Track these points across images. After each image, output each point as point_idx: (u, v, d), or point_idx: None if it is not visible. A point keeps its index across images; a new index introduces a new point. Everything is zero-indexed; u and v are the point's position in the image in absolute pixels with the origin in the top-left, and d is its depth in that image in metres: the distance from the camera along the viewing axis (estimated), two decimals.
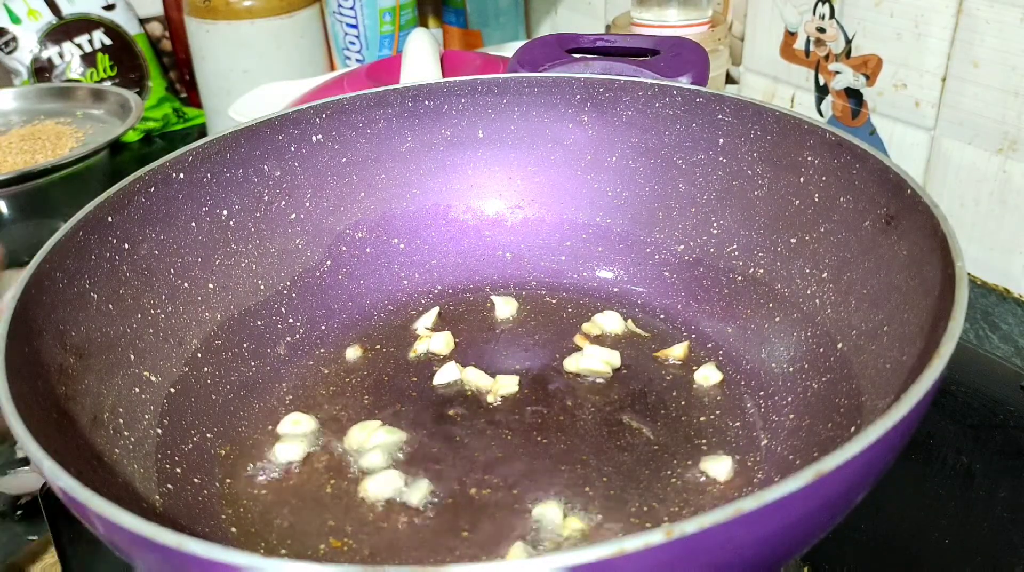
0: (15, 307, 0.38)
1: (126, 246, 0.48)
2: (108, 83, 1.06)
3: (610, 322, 0.55)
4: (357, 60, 1.02)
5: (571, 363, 0.51)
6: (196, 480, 0.44)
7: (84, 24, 1.05)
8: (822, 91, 0.77)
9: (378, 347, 0.55)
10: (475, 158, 0.60)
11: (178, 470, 0.44)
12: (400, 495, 0.43)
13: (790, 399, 0.46)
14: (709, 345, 0.52)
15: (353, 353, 0.54)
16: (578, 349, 0.52)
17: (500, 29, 1.09)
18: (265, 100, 0.85)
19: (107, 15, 1.07)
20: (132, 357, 0.46)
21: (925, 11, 0.66)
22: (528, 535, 0.40)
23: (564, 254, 0.59)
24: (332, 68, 1.05)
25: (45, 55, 1.03)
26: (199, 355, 0.50)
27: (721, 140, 0.54)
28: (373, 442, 0.46)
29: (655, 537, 0.24)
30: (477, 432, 0.47)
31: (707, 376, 0.50)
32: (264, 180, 0.55)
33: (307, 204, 0.57)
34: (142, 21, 1.11)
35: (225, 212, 0.54)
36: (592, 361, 0.51)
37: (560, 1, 1.06)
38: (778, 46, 0.79)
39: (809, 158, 0.49)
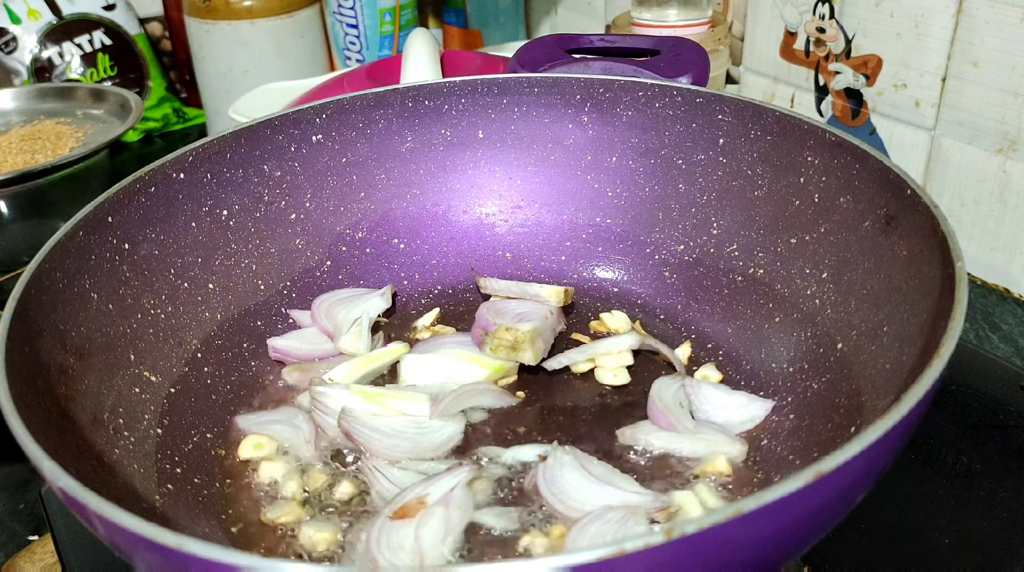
0: (15, 307, 0.38)
1: (126, 246, 0.48)
2: (108, 83, 1.06)
3: (617, 322, 0.55)
4: (357, 60, 1.02)
5: (564, 360, 0.51)
6: (196, 480, 0.44)
7: (84, 24, 1.05)
8: (822, 91, 0.77)
9: None
10: (475, 158, 0.60)
11: (178, 470, 0.44)
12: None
13: (790, 399, 0.46)
14: (709, 345, 0.52)
15: None
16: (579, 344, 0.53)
17: (500, 29, 1.09)
18: (265, 100, 0.85)
19: (107, 15, 1.07)
20: (132, 357, 0.46)
21: (925, 11, 0.66)
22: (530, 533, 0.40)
23: (564, 254, 0.59)
24: (332, 68, 1.05)
25: (45, 55, 1.03)
26: (199, 355, 0.50)
27: (721, 140, 0.54)
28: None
29: (655, 537, 0.24)
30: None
31: (707, 376, 0.50)
32: (264, 180, 0.55)
33: (307, 204, 0.57)
34: (142, 21, 1.11)
35: (225, 212, 0.54)
36: (602, 373, 0.51)
37: (560, 1, 1.06)
38: (778, 46, 0.79)
39: (809, 158, 0.49)
